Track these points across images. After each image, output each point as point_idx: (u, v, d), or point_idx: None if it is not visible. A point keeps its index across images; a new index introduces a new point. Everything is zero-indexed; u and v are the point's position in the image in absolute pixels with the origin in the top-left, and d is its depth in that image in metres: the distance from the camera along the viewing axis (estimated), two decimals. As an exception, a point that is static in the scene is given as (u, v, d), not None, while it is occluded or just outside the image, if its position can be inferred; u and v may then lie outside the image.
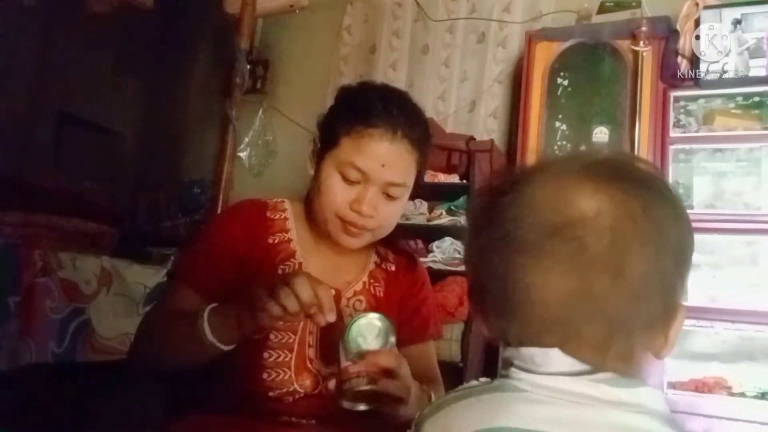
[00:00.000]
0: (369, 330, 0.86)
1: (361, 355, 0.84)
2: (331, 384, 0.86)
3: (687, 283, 0.56)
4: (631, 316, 0.52)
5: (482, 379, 0.56)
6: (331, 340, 1.02)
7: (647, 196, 0.53)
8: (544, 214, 0.53)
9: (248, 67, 2.30)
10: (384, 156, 0.99)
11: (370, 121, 0.99)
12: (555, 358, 0.52)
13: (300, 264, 1.06)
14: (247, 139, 3.14)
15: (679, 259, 0.54)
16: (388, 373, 0.85)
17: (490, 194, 0.58)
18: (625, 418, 0.50)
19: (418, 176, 1.06)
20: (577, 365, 0.52)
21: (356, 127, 0.99)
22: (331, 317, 0.85)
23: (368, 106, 1.00)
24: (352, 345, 0.85)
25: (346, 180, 1.00)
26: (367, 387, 0.83)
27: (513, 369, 0.54)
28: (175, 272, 1.10)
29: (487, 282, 0.56)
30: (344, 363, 0.85)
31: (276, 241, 1.08)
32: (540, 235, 0.52)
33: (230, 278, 1.03)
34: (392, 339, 0.87)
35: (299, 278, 0.83)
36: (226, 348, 0.90)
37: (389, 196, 1.02)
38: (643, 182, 0.55)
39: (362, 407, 0.85)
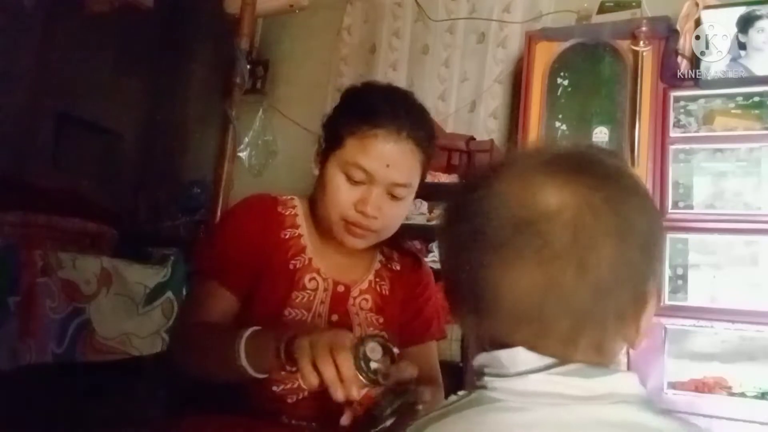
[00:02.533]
0: (374, 352, 0.85)
1: (377, 376, 0.83)
2: (346, 419, 0.83)
3: (658, 272, 0.57)
4: (599, 308, 0.52)
5: (461, 393, 0.56)
6: None
7: (610, 188, 0.54)
8: (509, 210, 0.53)
9: (248, 67, 2.30)
10: (389, 156, 0.99)
11: (375, 122, 0.98)
12: (520, 356, 0.53)
13: (310, 260, 1.07)
14: (247, 139, 3.14)
15: (647, 250, 0.55)
16: (410, 382, 0.85)
17: (460, 191, 0.59)
18: (601, 411, 0.50)
19: (422, 176, 1.06)
20: (544, 360, 0.52)
21: (361, 128, 0.99)
22: (356, 394, 0.80)
23: (373, 106, 1.00)
24: (364, 366, 0.83)
25: (351, 180, 1.00)
26: (402, 400, 0.82)
27: (486, 377, 0.54)
28: (203, 269, 1.06)
29: (458, 279, 0.57)
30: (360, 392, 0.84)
31: (288, 236, 1.08)
32: (506, 231, 0.53)
33: (253, 272, 1.03)
34: (396, 350, 0.87)
35: (345, 356, 0.78)
36: (259, 376, 0.87)
37: (394, 197, 1.02)
38: (605, 175, 0.55)
39: (390, 421, 0.84)
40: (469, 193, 0.57)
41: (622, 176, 0.57)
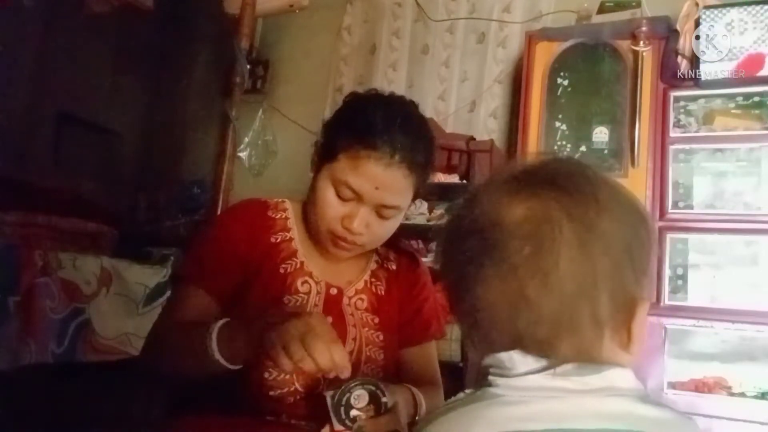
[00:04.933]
0: (360, 399, 0.86)
1: (353, 420, 0.85)
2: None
3: (643, 278, 0.57)
4: (570, 316, 0.54)
5: (467, 391, 0.58)
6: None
7: (567, 198, 0.55)
8: (478, 227, 0.57)
9: (248, 67, 2.30)
10: (379, 179, 0.98)
11: (368, 143, 0.97)
12: (517, 359, 0.54)
13: (302, 263, 1.07)
14: (247, 139, 3.14)
15: (619, 255, 0.55)
16: None
17: (450, 213, 0.64)
18: (598, 404, 0.52)
19: (415, 196, 1.06)
20: (540, 361, 0.54)
21: (355, 147, 0.98)
22: (346, 373, 0.82)
23: (370, 125, 0.98)
24: (342, 413, 0.85)
25: (340, 196, 1.00)
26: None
27: (490, 376, 0.56)
28: (183, 274, 1.06)
29: (449, 295, 0.61)
30: (338, 426, 0.85)
31: (278, 240, 1.08)
32: (477, 247, 0.56)
33: (238, 277, 1.03)
34: (385, 400, 0.87)
35: (318, 344, 0.78)
36: (233, 367, 0.87)
37: (382, 216, 1.02)
38: (564, 186, 0.56)
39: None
40: (454, 215, 0.61)
41: (589, 187, 0.57)
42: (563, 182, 0.57)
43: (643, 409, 0.52)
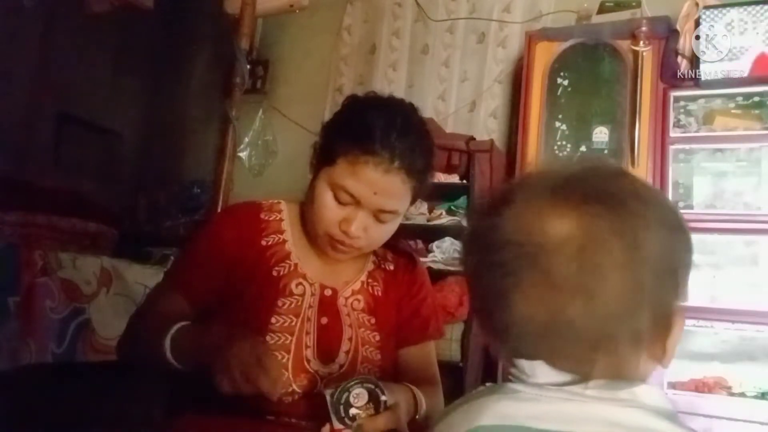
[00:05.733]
0: (360, 398, 0.86)
1: (353, 419, 0.85)
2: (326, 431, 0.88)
3: (682, 291, 0.56)
4: (609, 334, 0.52)
5: (488, 385, 0.59)
6: (329, 340, 1.03)
7: (616, 215, 0.53)
8: (518, 240, 0.54)
9: (248, 67, 2.30)
10: (377, 184, 0.98)
11: (367, 148, 0.97)
12: (540, 369, 0.54)
13: (296, 265, 1.06)
14: (247, 139, 3.15)
15: (664, 272, 0.54)
16: None
17: (478, 215, 0.61)
18: (614, 412, 0.51)
19: (413, 200, 1.05)
20: (562, 375, 0.53)
21: (353, 151, 0.97)
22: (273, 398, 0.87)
23: (369, 130, 0.98)
24: (342, 411, 0.86)
25: (338, 200, 1.00)
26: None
27: (510, 376, 0.56)
28: (166, 274, 1.10)
29: (478, 301, 0.59)
30: (337, 425, 0.85)
31: (270, 242, 1.07)
32: (516, 261, 0.54)
33: (220, 283, 1.04)
34: (384, 398, 0.87)
35: (260, 374, 0.82)
36: (184, 369, 0.92)
37: (380, 220, 1.02)
38: (611, 202, 0.54)
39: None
40: (484, 220, 0.58)
41: (627, 201, 0.55)
42: (610, 197, 0.54)
43: (655, 423, 0.51)
